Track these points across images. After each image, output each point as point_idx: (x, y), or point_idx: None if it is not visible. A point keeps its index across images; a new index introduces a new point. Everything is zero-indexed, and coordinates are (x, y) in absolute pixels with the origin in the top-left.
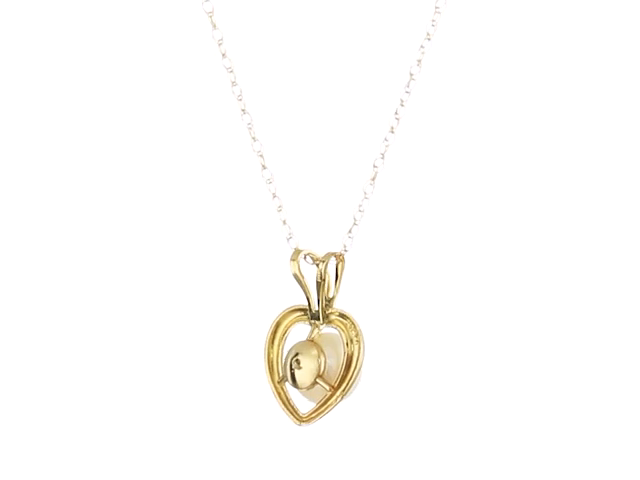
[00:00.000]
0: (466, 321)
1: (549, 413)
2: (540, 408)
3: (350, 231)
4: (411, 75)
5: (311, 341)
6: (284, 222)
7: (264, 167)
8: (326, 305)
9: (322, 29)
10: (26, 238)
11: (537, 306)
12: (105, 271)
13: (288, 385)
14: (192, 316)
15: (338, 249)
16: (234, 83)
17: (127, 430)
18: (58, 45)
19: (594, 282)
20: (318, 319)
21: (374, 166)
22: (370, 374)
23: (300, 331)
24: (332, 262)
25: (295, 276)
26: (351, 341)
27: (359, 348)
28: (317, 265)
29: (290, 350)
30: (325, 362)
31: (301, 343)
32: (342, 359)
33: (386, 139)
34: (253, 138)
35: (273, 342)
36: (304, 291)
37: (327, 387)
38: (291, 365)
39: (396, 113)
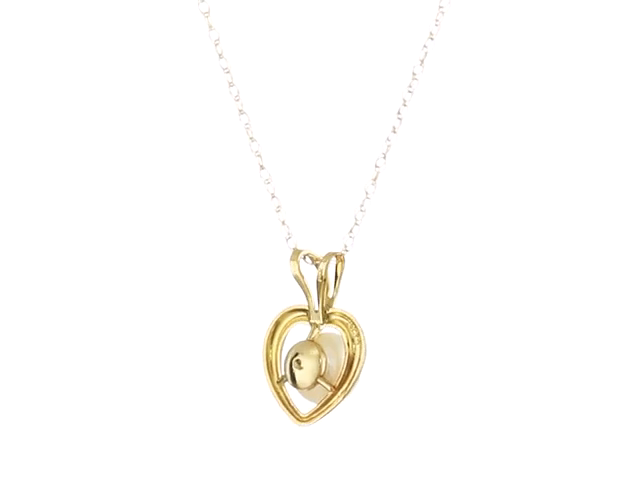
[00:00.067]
0: (468, 322)
1: (549, 412)
2: (540, 406)
3: (351, 231)
4: (414, 75)
5: (311, 341)
6: (283, 222)
7: (262, 167)
8: (326, 305)
9: (322, 27)
10: (23, 239)
11: (538, 306)
12: (104, 272)
13: (288, 385)
14: (191, 317)
15: (338, 249)
16: (231, 84)
17: (127, 431)
18: (55, 47)
19: (594, 282)
20: (318, 319)
21: (376, 166)
22: (370, 374)
23: (299, 331)
24: (332, 262)
25: (295, 276)
26: (352, 341)
27: (361, 348)
28: (316, 265)
29: (290, 350)
30: (326, 362)
31: (301, 343)
32: (343, 359)
33: (388, 139)
34: (251, 138)
35: (272, 342)
36: (304, 291)
37: (328, 387)
38: (292, 365)
39: (398, 113)
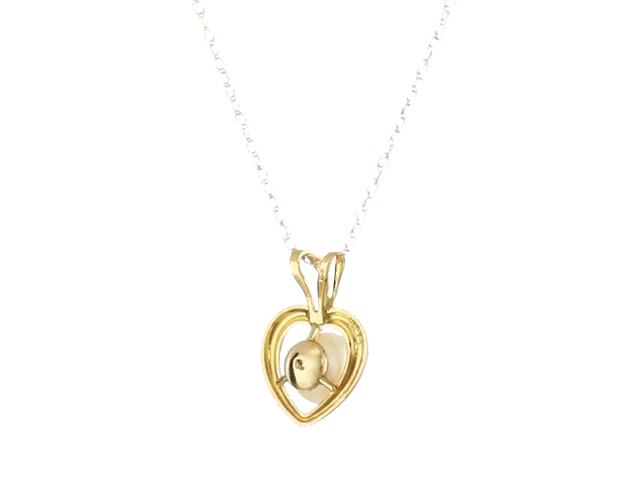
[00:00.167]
0: (470, 323)
1: (550, 411)
2: (541, 405)
3: (352, 231)
4: (418, 74)
5: (312, 341)
6: (281, 223)
7: (259, 168)
8: (326, 305)
9: (323, 26)
10: (20, 240)
11: (539, 306)
12: (103, 273)
13: (287, 385)
14: (190, 318)
15: (339, 249)
16: (227, 84)
17: (126, 432)
18: (51, 48)
19: (598, 286)
20: (319, 319)
21: (378, 165)
22: (370, 374)
23: (298, 332)
24: (333, 262)
25: (295, 277)
26: (354, 340)
27: (363, 348)
28: (315, 266)
29: (290, 350)
30: (327, 362)
31: (302, 343)
32: (344, 359)
33: (391, 138)
34: (248, 139)
35: (270, 343)
36: (304, 291)
37: (330, 387)
38: (293, 365)
39: (402, 112)
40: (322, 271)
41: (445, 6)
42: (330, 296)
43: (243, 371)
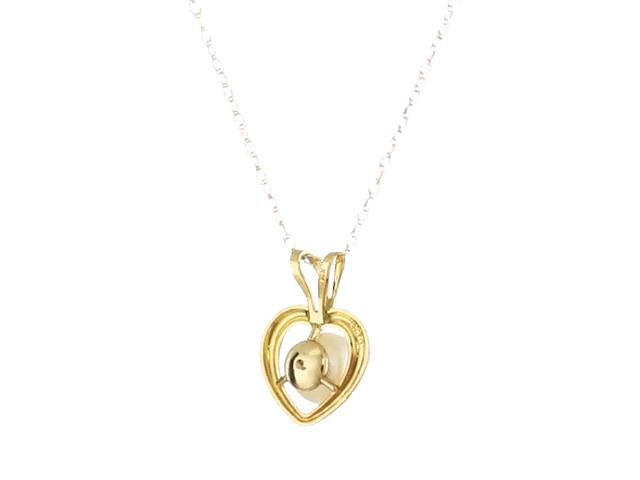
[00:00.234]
0: (472, 323)
1: (552, 410)
2: (542, 404)
3: (354, 231)
4: (421, 74)
5: (313, 341)
6: (280, 223)
7: (258, 168)
8: (326, 305)
9: (325, 25)
10: (18, 241)
11: (540, 306)
12: (102, 274)
13: (287, 386)
14: (189, 319)
15: (340, 249)
16: (225, 85)
17: (127, 433)
18: (47, 49)
19: (599, 287)
20: (319, 319)
21: (380, 165)
22: (371, 374)
23: (298, 332)
24: (333, 262)
25: (296, 277)
26: (355, 340)
27: (364, 348)
28: (314, 266)
29: (290, 350)
30: (329, 362)
31: (302, 343)
32: (345, 358)
33: (394, 138)
34: (246, 139)
35: (269, 343)
36: (304, 292)
37: (332, 387)
38: (294, 365)
39: (405, 112)
40: (323, 271)
41: (449, 5)
42: (330, 296)
43: (243, 371)
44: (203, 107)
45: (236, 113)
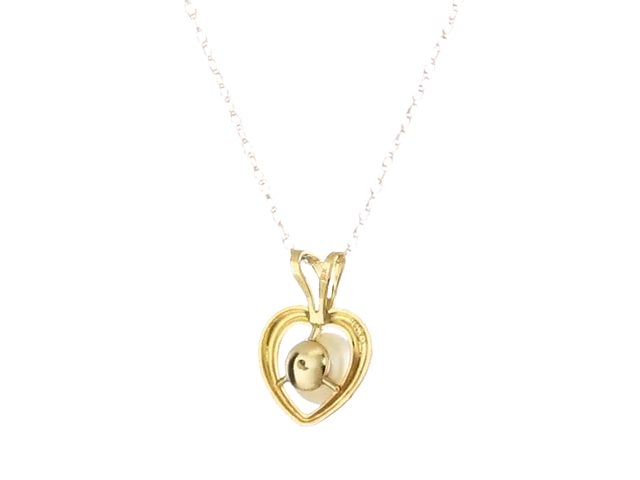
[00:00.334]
0: (473, 323)
1: (553, 409)
2: (544, 401)
3: (355, 230)
4: (425, 73)
5: (313, 341)
6: (279, 223)
7: (256, 168)
8: (327, 305)
9: (328, 24)
10: (16, 241)
11: (541, 306)
12: (101, 274)
13: (287, 386)
14: (188, 319)
15: (340, 249)
16: (221, 85)
17: (126, 435)
18: (43, 50)
19: (601, 288)
20: (319, 319)
21: (383, 165)
22: (371, 374)
23: (297, 332)
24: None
25: (296, 277)
26: (357, 339)
27: (366, 347)
28: (314, 266)
29: (291, 350)
30: (330, 362)
31: (303, 343)
32: (346, 359)
33: (397, 138)
34: (243, 140)
35: (268, 344)
36: (305, 292)
37: (334, 387)
38: (295, 366)
39: (408, 112)
40: (324, 271)
41: (454, 5)
42: (330, 296)
43: (243, 372)
44: (200, 108)
45: (233, 114)
